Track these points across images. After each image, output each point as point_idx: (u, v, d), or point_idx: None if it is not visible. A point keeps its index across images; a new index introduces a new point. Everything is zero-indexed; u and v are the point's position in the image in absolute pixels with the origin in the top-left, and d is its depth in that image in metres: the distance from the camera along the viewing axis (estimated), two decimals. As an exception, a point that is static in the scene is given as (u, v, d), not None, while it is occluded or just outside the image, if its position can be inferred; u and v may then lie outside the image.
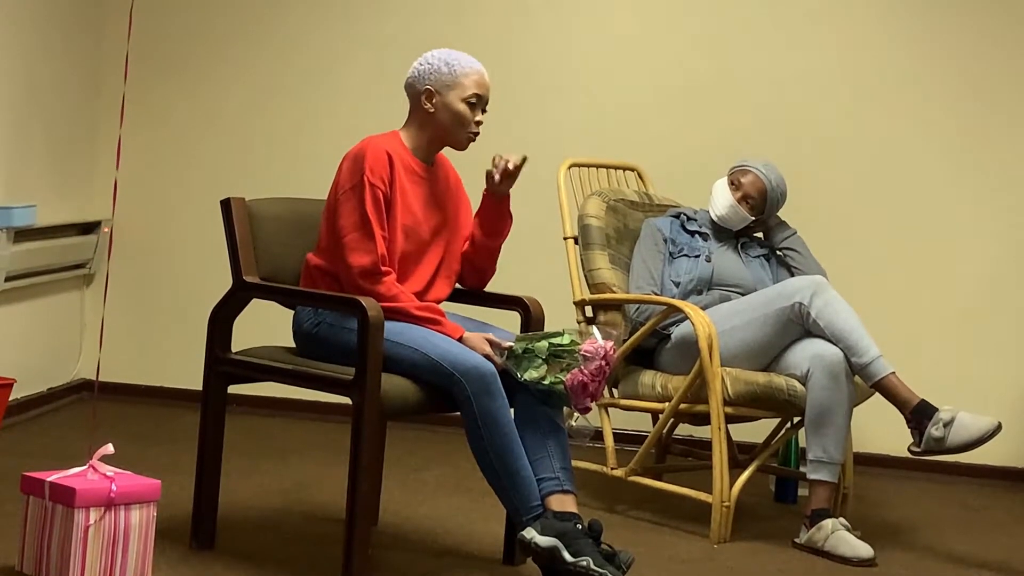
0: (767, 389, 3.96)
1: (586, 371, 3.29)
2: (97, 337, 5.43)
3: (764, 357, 4.04)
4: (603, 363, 3.31)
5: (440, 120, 3.50)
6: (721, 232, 4.39)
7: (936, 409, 3.81)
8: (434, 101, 3.50)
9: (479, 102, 3.52)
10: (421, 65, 3.53)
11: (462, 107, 3.49)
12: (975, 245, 5.10)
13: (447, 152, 3.64)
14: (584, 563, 3.15)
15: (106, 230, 5.41)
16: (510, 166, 3.57)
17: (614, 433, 4.33)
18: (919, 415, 3.82)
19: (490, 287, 3.76)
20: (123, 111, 5.35)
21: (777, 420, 4.37)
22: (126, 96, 5.45)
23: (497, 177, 3.58)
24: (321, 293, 3.42)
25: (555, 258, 4.88)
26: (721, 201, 4.34)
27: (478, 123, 3.52)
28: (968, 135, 5.10)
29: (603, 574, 3.14)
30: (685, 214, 4.42)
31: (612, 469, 4.24)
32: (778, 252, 4.42)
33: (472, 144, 3.55)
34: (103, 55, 5.43)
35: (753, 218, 4.33)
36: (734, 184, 4.33)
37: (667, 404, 4.08)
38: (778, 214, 4.42)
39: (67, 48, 5.20)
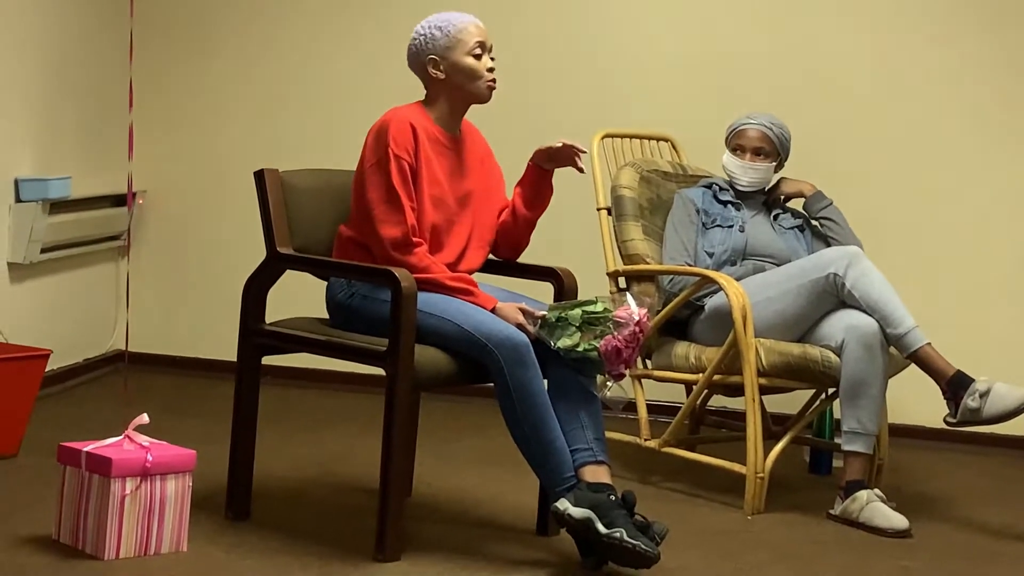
0: (801, 360, 3.94)
1: (620, 337, 3.28)
2: (133, 308, 5.45)
3: (798, 328, 4.02)
4: (637, 329, 3.30)
5: (455, 82, 3.49)
6: (754, 202, 4.37)
7: (972, 380, 3.78)
8: (441, 67, 3.49)
9: (484, 49, 3.50)
10: (415, 39, 3.52)
11: (470, 61, 3.48)
12: (1012, 214, 5.05)
13: (478, 122, 3.63)
14: (618, 535, 3.14)
15: (140, 201, 5.43)
16: (581, 159, 3.59)
17: (647, 404, 4.32)
18: (955, 386, 3.80)
19: (523, 258, 3.75)
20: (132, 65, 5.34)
21: (811, 391, 4.35)
22: (159, 69, 5.47)
23: (571, 147, 3.57)
24: (354, 264, 3.42)
25: (588, 229, 4.87)
26: (738, 171, 4.32)
27: (491, 70, 3.51)
28: (1005, 104, 5.04)
29: (636, 545, 3.13)
30: (718, 184, 4.39)
31: (645, 440, 4.24)
32: (814, 222, 4.39)
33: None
34: (135, 26, 5.43)
35: (774, 164, 4.31)
36: (738, 150, 4.32)
37: (701, 375, 4.07)
38: (816, 186, 4.39)
39: (99, 20, 5.20)
